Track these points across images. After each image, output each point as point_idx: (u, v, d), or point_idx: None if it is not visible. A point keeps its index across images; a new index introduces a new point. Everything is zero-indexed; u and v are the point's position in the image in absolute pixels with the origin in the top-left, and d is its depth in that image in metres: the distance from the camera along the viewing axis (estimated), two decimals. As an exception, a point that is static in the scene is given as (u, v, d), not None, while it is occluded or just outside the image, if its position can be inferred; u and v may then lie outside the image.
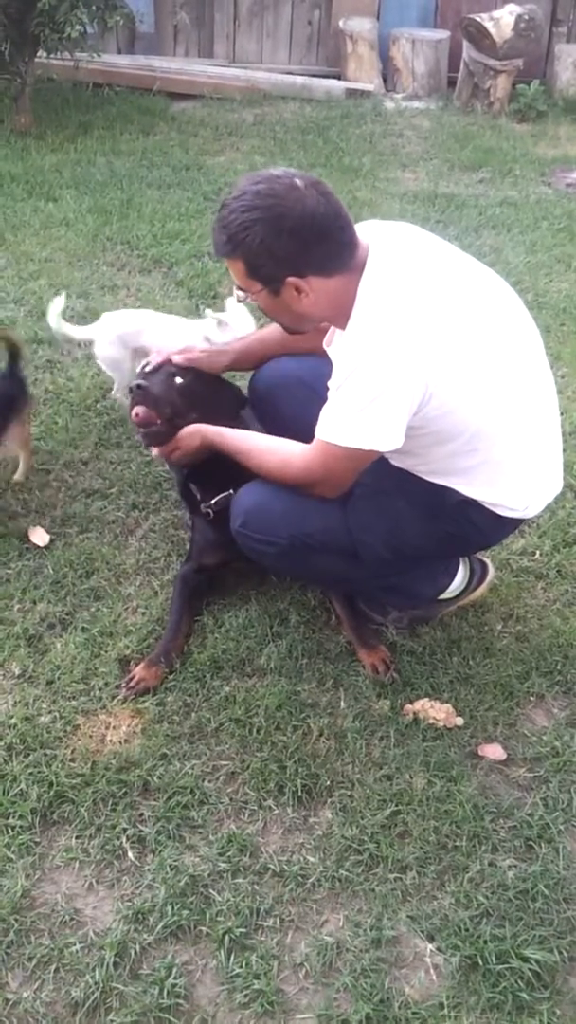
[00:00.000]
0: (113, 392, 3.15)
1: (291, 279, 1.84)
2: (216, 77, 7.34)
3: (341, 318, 1.89)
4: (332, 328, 2.08)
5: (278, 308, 1.95)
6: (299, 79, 7.50)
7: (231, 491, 2.20)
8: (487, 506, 2.02)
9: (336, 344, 2.03)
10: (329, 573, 2.18)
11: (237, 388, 2.45)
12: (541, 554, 2.63)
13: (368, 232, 1.91)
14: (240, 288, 1.95)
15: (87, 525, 2.64)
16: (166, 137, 6.26)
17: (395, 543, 2.07)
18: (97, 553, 2.53)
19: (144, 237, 4.53)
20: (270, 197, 1.78)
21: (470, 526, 2.06)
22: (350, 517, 2.04)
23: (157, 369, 2.28)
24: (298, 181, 1.79)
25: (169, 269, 4.25)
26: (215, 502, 2.29)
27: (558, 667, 2.25)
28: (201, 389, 2.28)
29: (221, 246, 1.87)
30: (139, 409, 2.19)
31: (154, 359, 2.33)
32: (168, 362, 2.29)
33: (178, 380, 2.25)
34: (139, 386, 2.20)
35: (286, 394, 2.28)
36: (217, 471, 2.23)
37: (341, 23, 7.50)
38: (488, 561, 2.41)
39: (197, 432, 2.17)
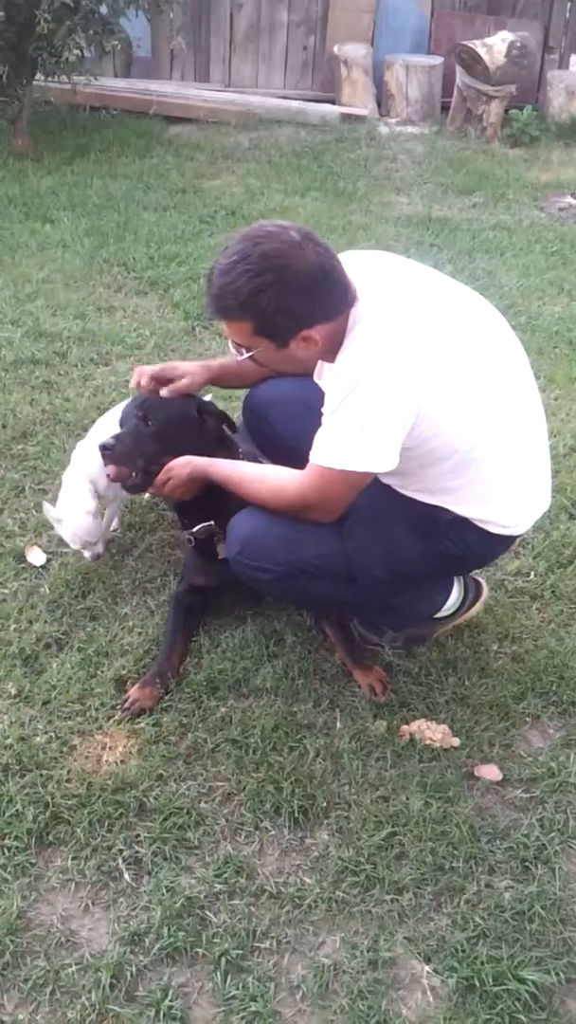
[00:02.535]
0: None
1: (303, 332, 1.86)
2: (212, 101, 7.41)
3: (331, 353, 1.92)
4: (320, 364, 2.10)
5: (281, 360, 1.96)
6: (294, 103, 7.58)
7: (212, 522, 2.23)
8: (479, 524, 2.05)
9: (327, 375, 2.05)
10: (326, 597, 2.19)
11: (221, 413, 2.37)
12: (536, 575, 2.64)
13: (348, 264, 1.93)
14: (239, 345, 1.95)
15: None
16: (162, 160, 6.31)
17: (393, 565, 2.09)
18: (93, 573, 2.54)
19: (140, 259, 4.56)
20: (277, 258, 1.78)
21: (464, 545, 2.08)
22: (347, 542, 2.06)
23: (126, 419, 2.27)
24: (296, 235, 1.81)
25: (165, 291, 4.28)
26: (196, 530, 2.29)
27: (553, 687, 2.26)
28: (175, 428, 2.22)
29: (224, 310, 1.86)
30: (110, 469, 2.20)
31: (133, 381, 2.32)
32: (147, 392, 2.28)
33: (149, 425, 2.21)
34: (104, 446, 2.17)
35: (280, 412, 2.29)
36: (199, 501, 2.23)
37: (336, 49, 7.59)
38: (482, 580, 2.42)
39: (187, 464, 2.15)
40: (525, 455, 2.05)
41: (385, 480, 2.03)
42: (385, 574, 2.09)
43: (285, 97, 7.78)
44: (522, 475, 2.06)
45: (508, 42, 6.73)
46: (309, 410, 1.97)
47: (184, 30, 7.66)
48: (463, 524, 2.04)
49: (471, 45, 6.81)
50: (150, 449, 2.19)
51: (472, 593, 2.35)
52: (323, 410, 1.93)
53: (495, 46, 6.76)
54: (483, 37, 7.13)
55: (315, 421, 1.94)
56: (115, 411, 2.55)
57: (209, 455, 2.18)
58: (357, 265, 1.95)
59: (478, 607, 2.37)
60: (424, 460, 1.95)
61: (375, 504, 2.02)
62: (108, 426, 2.47)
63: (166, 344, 3.80)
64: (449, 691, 2.23)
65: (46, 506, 2.46)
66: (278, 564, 2.06)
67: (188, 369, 2.32)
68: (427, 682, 2.25)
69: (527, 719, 2.19)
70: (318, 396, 1.97)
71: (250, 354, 1.96)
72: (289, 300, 1.80)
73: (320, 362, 2.09)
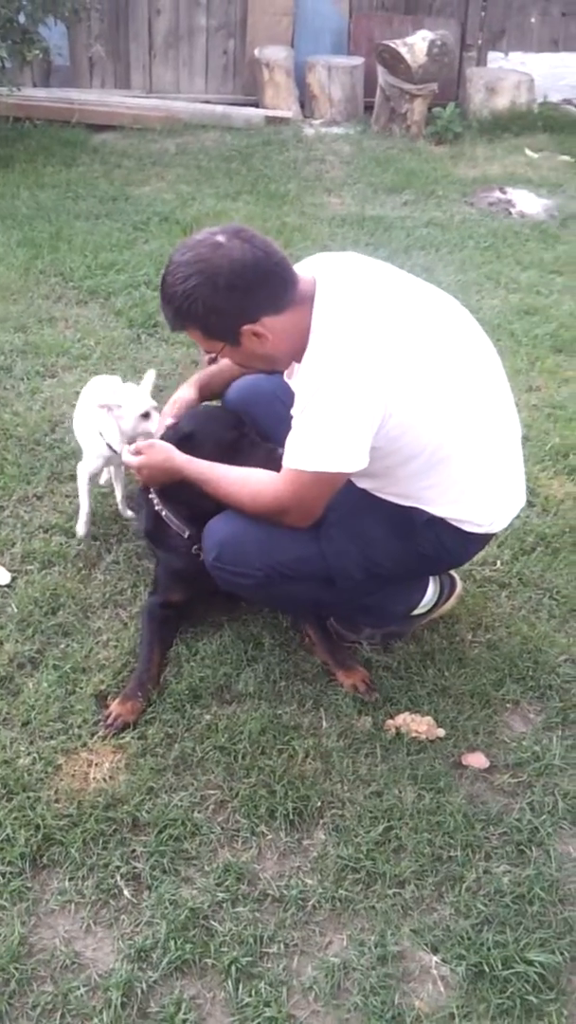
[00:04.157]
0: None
1: (246, 327, 1.89)
2: (135, 108, 7.35)
3: (299, 352, 1.93)
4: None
5: (247, 358, 2.01)
6: (218, 108, 7.57)
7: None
8: (454, 523, 2.06)
9: (295, 375, 2.06)
10: (305, 600, 2.20)
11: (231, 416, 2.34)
12: (502, 563, 2.68)
13: (315, 264, 1.97)
14: (207, 351, 2.02)
15: (48, 560, 2.61)
16: (89, 168, 6.24)
17: (370, 567, 2.10)
18: (62, 588, 2.50)
19: (78, 269, 4.51)
20: (199, 262, 1.85)
21: (439, 545, 2.10)
22: (324, 545, 2.06)
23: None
24: (220, 237, 1.86)
25: (106, 299, 4.24)
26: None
27: (530, 672, 2.30)
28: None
29: (173, 321, 1.95)
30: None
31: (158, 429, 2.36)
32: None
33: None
34: None
35: (261, 411, 2.28)
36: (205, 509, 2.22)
37: (256, 52, 7.60)
38: (455, 575, 2.45)
39: (165, 452, 2.16)
40: (496, 452, 2.07)
41: (359, 484, 2.04)
42: (363, 576, 2.10)
43: (208, 102, 7.77)
44: (494, 472, 2.08)
45: (429, 41, 6.82)
46: (286, 408, 1.97)
47: (102, 37, 7.61)
48: (438, 524, 2.05)
49: (392, 45, 6.89)
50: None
51: (447, 588, 2.38)
52: (292, 411, 1.93)
53: (416, 45, 6.85)
54: (402, 37, 7.21)
55: (284, 412, 1.96)
56: (96, 384, 2.71)
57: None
58: (323, 264, 1.97)
59: (452, 601, 2.40)
60: (394, 460, 1.96)
61: (351, 507, 2.04)
62: (93, 398, 2.55)
63: (112, 353, 3.76)
64: (430, 683, 2.25)
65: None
66: (257, 569, 2.06)
67: (182, 396, 2.40)
68: (407, 675, 2.27)
69: (508, 705, 2.23)
70: (292, 395, 1.98)
71: (212, 355, 2.01)
72: (218, 299, 1.85)
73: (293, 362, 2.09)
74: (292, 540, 2.05)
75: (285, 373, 2.13)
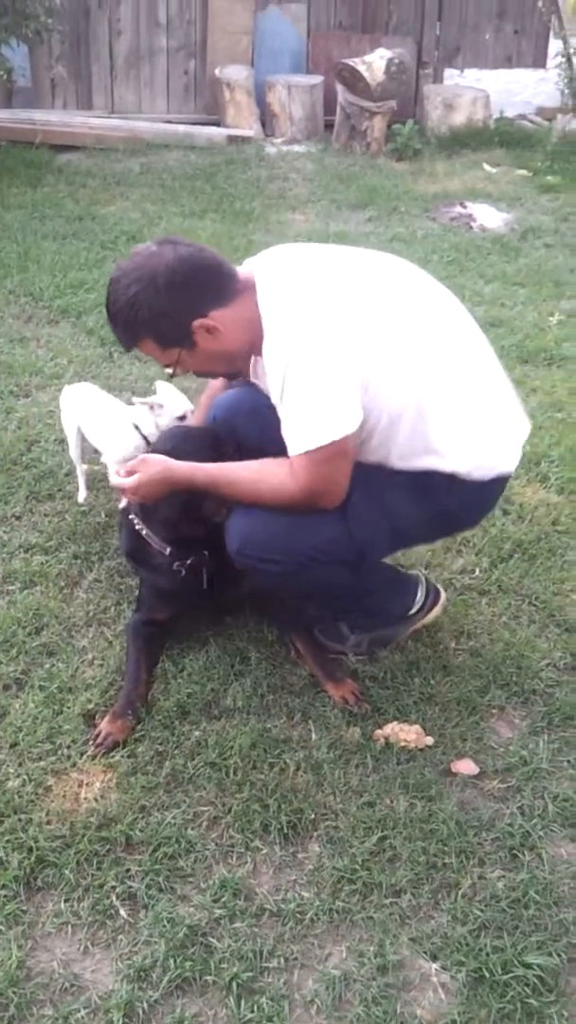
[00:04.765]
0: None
1: (196, 323, 1.93)
2: (98, 128, 7.38)
3: (259, 343, 1.94)
4: (252, 360, 2.14)
5: (205, 360, 2.04)
6: (180, 127, 7.62)
7: (205, 552, 2.24)
8: (466, 474, 2.03)
9: (260, 365, 2.06)
10: (330, 586, 2.17)
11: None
12: (480, 571, 2.71)
13: (248, 263, 2.04)
14: (166, 366, 2.06)
15: (30, 580, 2.59)
16: (54, 189, 6.25)
17: (398, 536, 2.13)
18: (44, 608, 2.48)
19: (47, 288, 4.50)
20: (135, 270, 1.94)
21: (461, 498, 2.07)
22: (352, 524, 2.03)
23: None
24: (152, 246, 1.96)
25: (77, 318, 4.24)
26: (190, 561, 2.27)
27: (513, 678, 2.33)
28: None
29: (125, 338, 2.02)
30: None
31: None
32: None
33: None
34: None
35: (246, 421, 2.26)
36: (193, 533, 2.24)
37: (217, 71, 7.67)
38: (440, 587, 2.47)
39: (161, 464, 2.09)
40: (481, 387, 2.04)
41: (367, 458, 2.01)
42: (391, 544, 2.13)
43: (170, 121, 7.81)
44: (487, 407, 2.05)
45: (387, 59, 6.93)
46: (273, 413, 1.97)
47: (64, 58, 7.63)
48: (454, 479, 2.03)
49: (351, 63, 6.98)
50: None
51: (431, 596, 2.40)
52: (272, 403, 1.94)
53: (374, 63, 6.95)
54: (359, 55, 7.32)
55: (270, 419, 1.96)
56: (76, 389, 2.93)
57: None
58: (253, 260, 2.04)
59: (437, 611, 2.42)
60: (385, 421, 1.94)
61: (370, 484, 2.01)
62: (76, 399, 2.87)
63: (85, 372, 3.76)
64: (416, 691, 2.27)
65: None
66: (286, 555, 2.03)
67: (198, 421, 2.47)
68: (394, 685, 2.29)
69: (493, 711, 2.25)
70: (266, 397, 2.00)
71: (171, 370, 2.06)
72: (162, 300, 1.91)
73: (252, 359, 2.11)
74: (319, 523, 2.02)
75: (251, 374, 2.14)
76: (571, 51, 7.85)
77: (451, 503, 2.08)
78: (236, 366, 2.11)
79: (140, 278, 1.91)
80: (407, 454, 2.02)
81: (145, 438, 2.66)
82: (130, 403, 2.80)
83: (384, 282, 2.01)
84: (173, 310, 1.92)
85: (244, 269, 2.01)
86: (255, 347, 1.96)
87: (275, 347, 1.89)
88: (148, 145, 7.31)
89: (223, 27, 7.79)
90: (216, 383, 2.42)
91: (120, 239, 5.27)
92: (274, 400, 1.93)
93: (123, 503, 2.42)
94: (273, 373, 1.90)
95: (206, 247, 1.98)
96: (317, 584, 2.16)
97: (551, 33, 8.41)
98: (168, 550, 2.27)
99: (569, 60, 7.87)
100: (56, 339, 4.05)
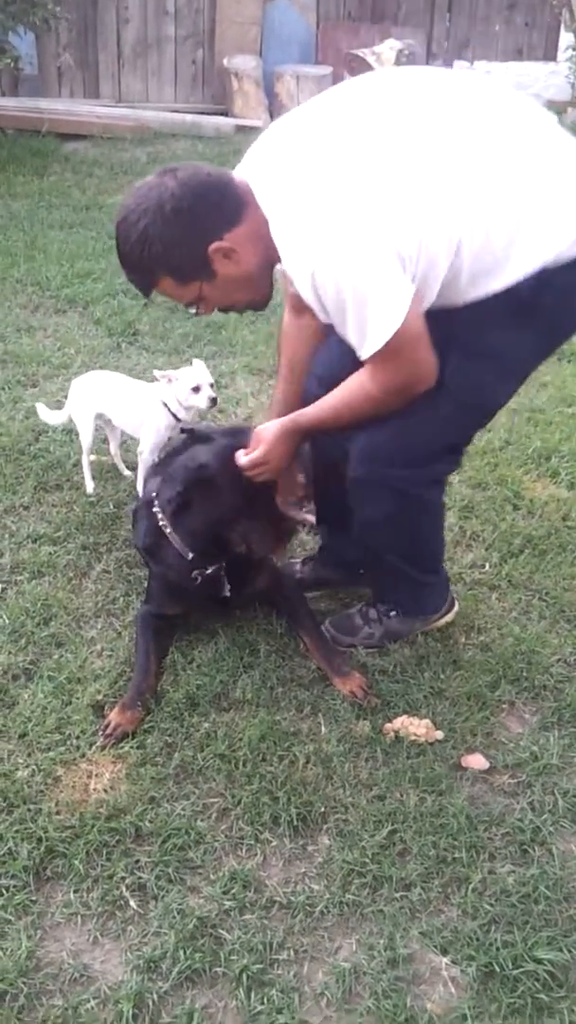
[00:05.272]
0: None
1: (212, 248, 1.83)
2: (105, 117, 7.35)
3: (274, 253, 1.85)
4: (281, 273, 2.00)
5: (228, 289, 1.93)
6: (188, 117, 7.58)
7: (222, 563, 2.27)
8: (554, 259, 1.83)
9: (286, 276, 1.94)
10: (421, 538, 2.23)
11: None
12: (490, 566, 2.71)
13: (241, 167, 1.90)
14: (188, 305, 1.96)
15: (38, 571, 2.59)
16: (61, 178, 6.23)
17: (512, 374, 2.03)
18: (53, 599, 2.48)
19: (55, 278, 4.49)
20: (139, 206, 1.82)
21: (558, 291, 1.87)
22: (461, 394, 1.95)
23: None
24: (151, 179, 1.85)
25: (85, 308, 4.23)
26: (210, 571, 2.27)
27: (523, 673, 2.32)
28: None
29: (141, 280, 1.91)
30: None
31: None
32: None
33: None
34: None
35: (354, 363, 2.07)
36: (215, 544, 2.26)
37: (225, 61, 7.63)
38: (455, 596, 2.48)
39: (274, 425, 2.07)
40: (533, 181, 1.82)
41: (456, 306, 1.88)
42: (508, 386, 2.05)
43: (177, 111, 7.78)
44: (547, 197, 1.83)
45: (396, 50, 6.90)
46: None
47: (71, 47, 7.60)
48: (539, 277, 1.83)
49: (361, 54, 6.96)
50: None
51: (447, 602, 2.43)
52: (323, 320, 1.87)
53: (384, 54, 6.92)
54: (369, 46, 7.28)
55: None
56: (91, 377, 2.96)
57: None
58: (247, 159, 1.91)
59: (449, 617, 2.43)
60: (437, 251, 1.78)
61: (460, 340, 1.90)
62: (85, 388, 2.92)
63: (93, 362, 3.75)
64: (426, 686, 2.26)
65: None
66: (409, 457, 2.03)
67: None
68: (403, 679, 2.28)
69: (503, 706, 2.24)
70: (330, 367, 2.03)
71: (194, 309, 1.97)
72: (172, 229, 1.80)
73: (276, 267, 1.98)
74: (424, 408, 1.92)
75: (285, 289, 2.07)
76: (581, 44, 7.80)
77: (550, 298, 1.86)
78: (258, 290, 1.98)
79: (146, 210, 1.80)
80: (479, 272, 1.83)
81: (174, 415, 2.74)
82: (154, 380, 2.83)
83: (386, 117, 1.80)
84: (186, 238, 1.81)
85: (239, 175, 1.87)
86: (272, 260, 1.87)
87: (294, 256, 1.79)
88: (155, 134, 7.28)
89: (231, 16, 7.75)
90: (289, 351, 2.28)
91: (128, 229, 5.25)
92: (321, 317, 1.85)
93: (145, 495, 2.40)
94: (303, 287, 1.80)
95: (205, 166, 1.86)
96: (418, 531, 2.20)
97: (562, 26, 8.37)
98: (191, 555, 2.26)
99: (579, 53, 7.82)
100: (63, 328, 4.03)
